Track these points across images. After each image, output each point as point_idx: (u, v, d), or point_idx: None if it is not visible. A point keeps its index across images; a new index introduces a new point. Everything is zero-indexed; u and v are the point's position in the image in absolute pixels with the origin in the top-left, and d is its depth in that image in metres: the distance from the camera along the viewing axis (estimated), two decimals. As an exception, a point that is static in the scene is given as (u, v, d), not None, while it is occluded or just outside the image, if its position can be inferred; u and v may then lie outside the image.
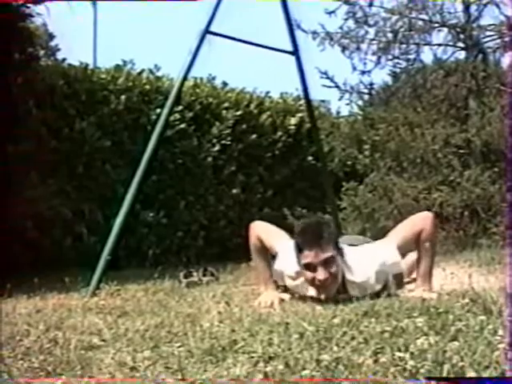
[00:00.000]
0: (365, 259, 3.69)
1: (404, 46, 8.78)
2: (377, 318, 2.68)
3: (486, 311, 2.60)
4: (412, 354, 2.07)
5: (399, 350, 2.12)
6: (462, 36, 8.68)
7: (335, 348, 2.26)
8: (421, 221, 3.84)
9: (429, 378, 1.85)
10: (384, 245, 3.84)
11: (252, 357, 2.27)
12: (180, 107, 8.03)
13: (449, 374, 1.89)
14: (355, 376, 1.94)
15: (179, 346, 2.59)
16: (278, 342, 2.42)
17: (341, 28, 8.84)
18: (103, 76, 8.02)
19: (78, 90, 7.60)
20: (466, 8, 8.62)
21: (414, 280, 4.11)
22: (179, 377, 2.13)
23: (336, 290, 3.57)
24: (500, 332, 2.22)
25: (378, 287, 3.62)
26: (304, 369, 2.06)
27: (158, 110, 7.21)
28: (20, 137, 6.36)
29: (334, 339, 2.38)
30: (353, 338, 2.36)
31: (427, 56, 9.60)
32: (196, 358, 2.37)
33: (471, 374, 1.86)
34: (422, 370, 1.91)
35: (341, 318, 2.69)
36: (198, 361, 2.34)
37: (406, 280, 4.30)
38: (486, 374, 1.85)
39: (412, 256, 4.24)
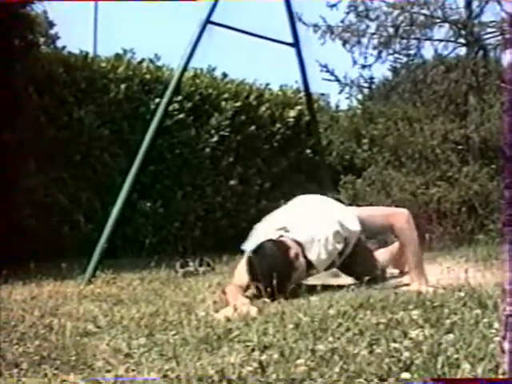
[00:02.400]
0: (322, 222, 3.81)
1: (405, 40, 8.77)
2: (372, 310, 2.68)
3: (481, 305, 2.60)
4: (407, 345, 2.07)
5: (394, 342, 2.12)
6: (463, 32, 8.67)
7: (330, 338, 2.26)
8: (393, 216, 3.95)
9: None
10: (344, 209, 4.03)
11: (247, 346, 2.27)
12: (179, 97, 8.02)
13: (443, 366, 1.89)
14: (350, 366, 1.94)
15: (174, 334, 2.59)
16: (273, 331, 2.43)
17: (342, 21, 8.82)
18: (103, 65, 8.01)
19: (78, 78, 7.59)
20: (468, 4, 8.61)
21: (402, 273, 4.21)
22: (174, 364, 2.13)
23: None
24: (495, 325, 2.22)
25: (340, 246, 3.78)
26: (299, 358, 2.06)
27: (158, 100, 7.19)
28: (18, 124, 6.35)
29: (329, 330, 2.38)
30: (348, 330, 2.37)
31: (428, 51, 9.58)
32: (191, 346, 2.37)
33: (466, 366, 1.86)
34: (416, 362, 1.91)
35: (336, 310, 2.70)
36: (192, 349, 2.34)
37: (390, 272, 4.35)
38: (480, 367, 1.85)
39: (392, 248, 4.31)
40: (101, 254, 4.97)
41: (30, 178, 6.56)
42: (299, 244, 3.69)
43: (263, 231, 3.88)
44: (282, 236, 3.73)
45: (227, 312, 3.03)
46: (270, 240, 3.70)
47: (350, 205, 8.30)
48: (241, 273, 3.70)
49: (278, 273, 3.41)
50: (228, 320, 2.82)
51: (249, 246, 3.79)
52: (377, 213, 4.13)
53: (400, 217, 3.92)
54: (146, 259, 5.84)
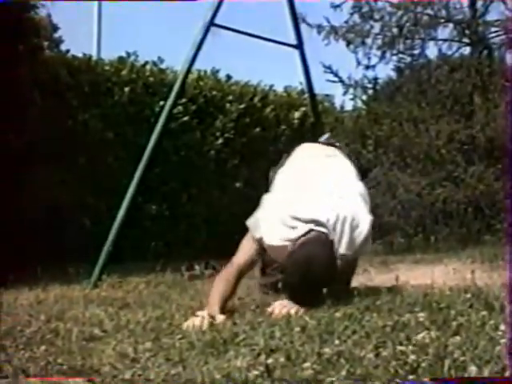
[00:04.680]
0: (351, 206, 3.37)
1: (409, 41, 8.76)
2: (378, 312, 2.67)
3: (487, 307, 2.59)
4: (413, 348, 2.06)
5: (400, 344, 2.12)
6: (467, 32, 8.66)
7: (337, 342, 2.25)
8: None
9: (433, 380, 1.85)
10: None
11: (253, 349, 2.27)
12: (184, 100, 8.04)
13: (450, 368, 1.88)
14: (356, 369, 1.94)
15: (180, 338, 2.59)
16: (279, 335, 2.42)
17: (346, 22, 8.81)
18: (107, 68, 8.04)
19: (82, 81, 7.61)
20: (472, 3, 8.59)
21: None
22: (180, 368, 2.13)
23: None
24: (502, 327, 2.21)
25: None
26: (305, 362, 2.05)
27: (162, 103, 7.20)
28: (23, 128, 6.36)
29: (335, 333, 2.38)
30: (354, 332, 2.36)
31: (432, 51, 9.56)
32: (197, 350, 2.37)
33: (472, 368, 1.85)
34: (423, 365, 1.91)
35: (342, 312, 2.69)
36: (199, 353, 2.33)
37: None
38: (487, 369, 1.84)
39: None
40: (106, 257, 4.97)
41: (35, 181, 6.57)
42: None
43: (278, 215, 3.31)
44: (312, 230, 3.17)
45: (195, 321, 2.91)
46: (318, 234, 3.15)
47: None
48: (244, 253, 3.38)
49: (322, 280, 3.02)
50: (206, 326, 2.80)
51: (261, 229, 3.31)
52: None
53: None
54: (151, 262, 5.83)
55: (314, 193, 3.37)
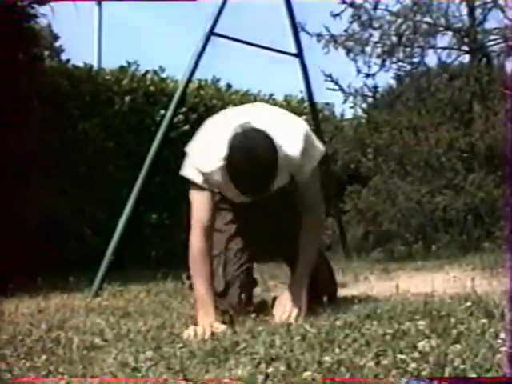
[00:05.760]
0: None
1: (408, 49, 8.77)
2: (379, 320, 2.68)
3: (488, 314, 2.60)
4: (414, 356, 2.07)
5: (401, 353, 2.12)
6: (466, 40, 8.67)
7: (337, 350, 2.26)
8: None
9: (431, 379, 1.86)
10: None
11: (254, 358, 2.27)
12: (184, 109, 8.05)
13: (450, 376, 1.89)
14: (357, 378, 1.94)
15: (181, 347, 2.59)
16: (279, 343, 2.42)
17: (345, 31, 8.83)
18: (107, 77, 8.05)
19: (82, 90, 7.63)
20: (471, 12, 8.61)
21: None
22: (181, 377, 2.14)
23: None
24: (502, 335, 2.22)
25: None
26: (306, 370, 2.06)
27: (163, 112, 7.21)
28: (23, 137, 6.37)
29: (335, 341, 2.38)
30: (355, 341, 2.36)
31: (431, 59, 9.62)
32: (198, 359, 2.37)
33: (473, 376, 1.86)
34: (423, 373, 1.91)
35: (343, 321, 2.69)
36: (200, 362, 2.34)
37: None
38: (487, 377, 1.85)
39: None
40: (107, 266, 4.98)
41: (35, 190, 6.57)
42: None
43: (208, 145, 3.17)
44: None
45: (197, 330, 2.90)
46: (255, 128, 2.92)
47: (357, 215, 8.39)
48: (200, 209, 3.21)
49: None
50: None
51: (199, 165, 3.14)
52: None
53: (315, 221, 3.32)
54: (152, 271, 5.83)
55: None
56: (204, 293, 3.12)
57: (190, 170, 3.22)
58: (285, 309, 3.08)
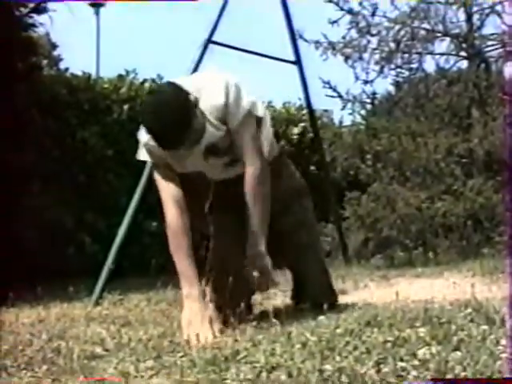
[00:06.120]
0: None
1: (406, 55, 8.79)
2: (379, 327, 2.67)
3: (488, 321, 2.60)
4: (414, 364, 2.06)
5: (401, 360, 2.12)
6: (464, 45, 8.69)
7: (338, 358, 2.26)
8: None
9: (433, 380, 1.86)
10: None
11: (254, 367, 2.27)
12: (183, 116, 8.03)
13: (451, 383, 1.89)
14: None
15: (182, 356, 2.59)
16: (280, 351, 2.42)
17: (343, 37, 8.85)
18: (106, 86, 8.05)
19: (81, 99, 7.63)
20: (469, 17, 8.63)
21: None
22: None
23: None
24: (502, 342, 2.22)
25: None
26: (306, 378, 2.06)
27: (161, 120, 7.21)
28: (22, 146, 6.37)
29: (336, 349, 2.38)
30: (355, 348, 2.36)
31: (430, 65, 9.62)
32: (199, 368, 2.37)
33: (473, 383, 1.86)
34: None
35: (343, 328, 2.69)
36: (200, 370, 2.34)
37: None
38: (488, 384, 1.85)
39: None
40: (107, 275, 4.97)
41: (34, 199, 6.57)
42: None
43: None
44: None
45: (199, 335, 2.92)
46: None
47: (356, 221, 8.38)
48: (165, 185, 3.33)
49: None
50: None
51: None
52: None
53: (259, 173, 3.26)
54: (152, 279, 5.82)
55: None
56: (186, 264, 3.24)
57: (141, 152, 3.45)
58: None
